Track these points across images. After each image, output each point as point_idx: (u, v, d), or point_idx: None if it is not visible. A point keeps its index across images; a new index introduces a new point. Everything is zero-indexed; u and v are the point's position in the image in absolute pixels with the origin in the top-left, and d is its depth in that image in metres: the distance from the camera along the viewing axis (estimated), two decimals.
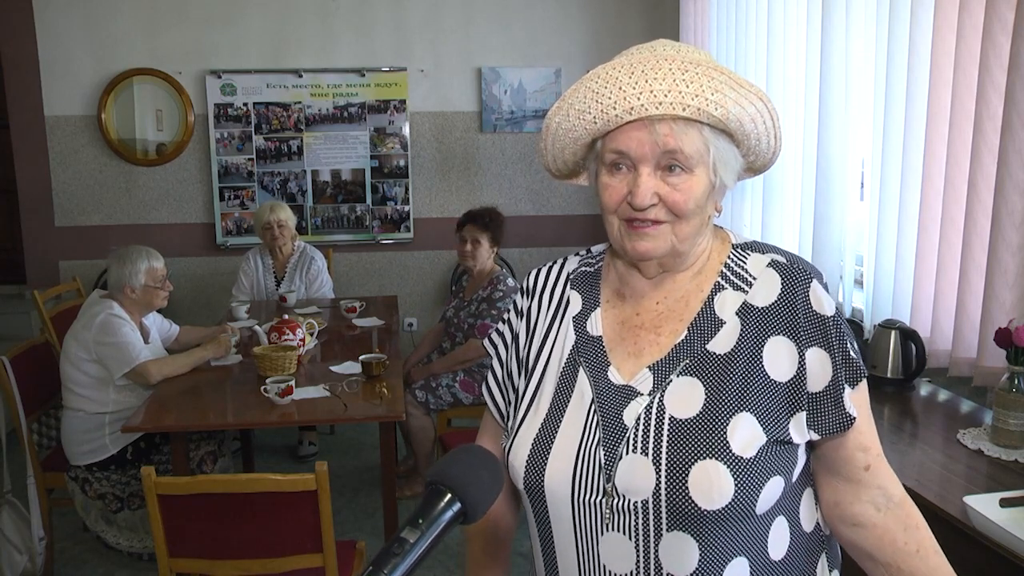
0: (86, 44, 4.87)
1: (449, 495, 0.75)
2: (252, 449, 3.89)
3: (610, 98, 0.99)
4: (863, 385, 1.06)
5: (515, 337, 1.19)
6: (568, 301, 1.15)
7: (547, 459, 1.05)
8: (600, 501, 1.02)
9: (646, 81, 0.98)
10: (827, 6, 3.03)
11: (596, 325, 1.12)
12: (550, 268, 1.21)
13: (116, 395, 3.02)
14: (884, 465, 1.08)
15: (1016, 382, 1.96)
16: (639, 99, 0.98)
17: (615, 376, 1.07)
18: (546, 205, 5.33)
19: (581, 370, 1.09)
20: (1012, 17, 2.13)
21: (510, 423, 1.15)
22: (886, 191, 2.76)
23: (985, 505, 1.59)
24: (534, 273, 1.21)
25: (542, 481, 1.05)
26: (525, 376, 1.15)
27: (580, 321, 1.13)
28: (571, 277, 1.18)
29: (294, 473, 1.96)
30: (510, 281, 3.65)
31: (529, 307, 1.19)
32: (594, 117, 1.01)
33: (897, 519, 1.08)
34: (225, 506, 1.99)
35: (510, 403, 1.17)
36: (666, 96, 0.98)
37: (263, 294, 4.38)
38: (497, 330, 1.23)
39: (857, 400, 1.04)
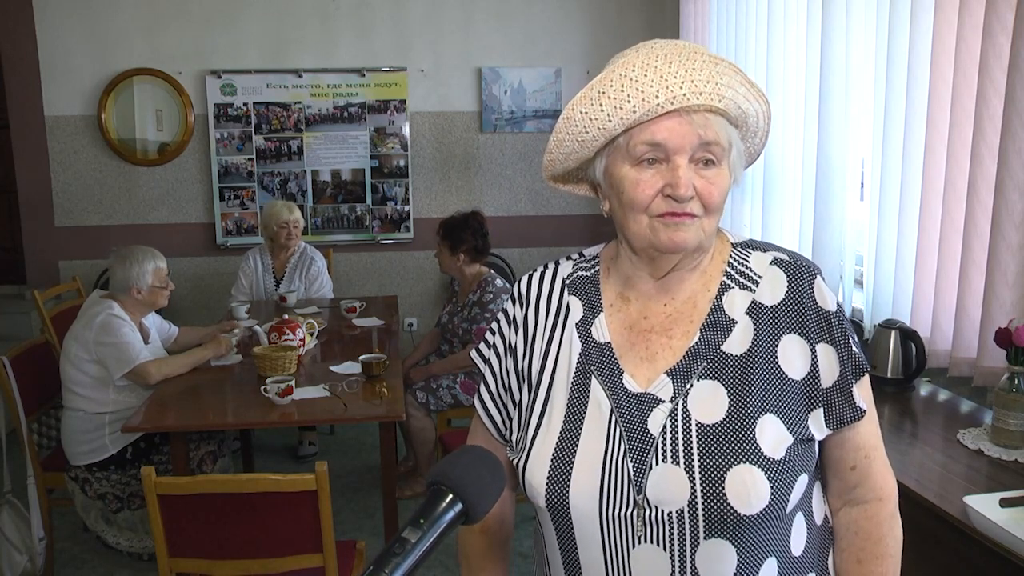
0: (86, 44, 4.86)
1: (451, 496, 0.75)
2: (252, 449, 3.89)
3: (652, 87, 0.96)
4: (866, 380, 1.07)
5: (510, 348, 1.14)
6: (568, 308, 1.12)
7: (570, 475, 1.02)
8: (631, 514, 0.99)
9: (686, 71, 0.97)
10: (827, 6, 3.03)
11: (602, 331, 1.08)
12: (542, 274, 1.16)
13: (116, 395, 3.02)
14: (874, 468, 1.08)
15: (1016, 382, 1.96)
16: (681, 88, 0.96)
17: (631, 383, 1.04)
18: (546, 205, 5.33)
19: (593, 379, 1.06)
20: (1012, 17, 2.13)
21: (516, 438, 1.12)
22: (886, 191, 2.76)
23: (985, 505, 1.59)
24: (525, 280, 1.17)
25: (566, 498, 1.02)
26: (530, 390, 1.11)
27: (584, 328, 1.09)
28: (567, 282, 1.14)
29: (294, 473, 1.96)
30: (498, 282, 3.66)
31: (524, 316, 1.14)
32: (634, 106, 0.97)
33: (857, 523, 1.10)
34: (225, 506, 1.99)
35: (511, 417, 1.14)
36: (705, 86, 0.97)
37: (262, 294, 4.38)
38: (486, 341, 1.18)
39: (863, 395, 1.06)
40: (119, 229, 5.00)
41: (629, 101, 0.97)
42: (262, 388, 2.80)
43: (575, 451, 1.03)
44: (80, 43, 4.86)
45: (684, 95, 0.96)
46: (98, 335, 2.97)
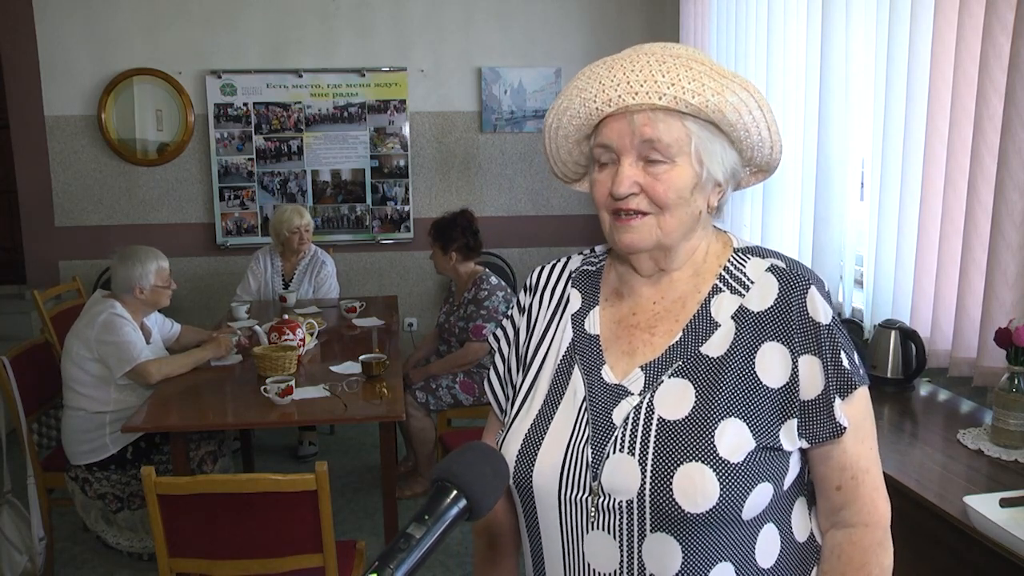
0: (86, 44, 4.87)
1: (455, 492, 0.76)
2: (252, 449, 3.89)
3: (590, 92, 1.03)
4: (858, 397, 1.04)
5: (516, 333, 1.20)
6: (568, 299, 1.16)
7: (536, 455, 1.06)
8: (586, 499, 1.02)
9: (624, 73, 1.01)
10: (827, 6, 3.04)
11: (594, 323, 1.12)
12: (553, 266, 1.22)
13: (117, 394, 3.02)
14: (862, 492, 1.05)
15: (1016, 382, 1.96)
16: (616, 91, 1.01)
17: (608, 375, 1.07)
18: (546, 205, 5.33)
19: (576, 368, 1.09)
20: (1012, 17, 2.13)
21: (506, 418, 1.15)
22: (886, 191, 2.77)
23: (985, 505, 1.59)
24: (538, 271, 1.23)
25: (531, 477, 1.05)
26: (522, 372, 1.16)
27: (579, 319, 1.14)
28: (573, 275, 1.19)
29: (294, 473, 1.96)
30: (492, 279, 3.67)
31: (531, 304, 1.20)
32: (577, 111, 1.05)
33: (841, 547, 1.07)
34: (225, 506, 1.99)
35: (510, 399, 1.18)
36: (642, 86, 1.00)
37: (270, 295, 4.36)
38: (501, 326, 1.24)
39: (849, 413, 1.02)
40: (119, 229, 5.00)
41: (573, 107, 1.06)
42: (262, 388, 2.80)
43: (545, 433, 1.07)
44: (80, 43, 4.86)
45: (619, 96, 1.01)
46: (100, 333, 2.97)
